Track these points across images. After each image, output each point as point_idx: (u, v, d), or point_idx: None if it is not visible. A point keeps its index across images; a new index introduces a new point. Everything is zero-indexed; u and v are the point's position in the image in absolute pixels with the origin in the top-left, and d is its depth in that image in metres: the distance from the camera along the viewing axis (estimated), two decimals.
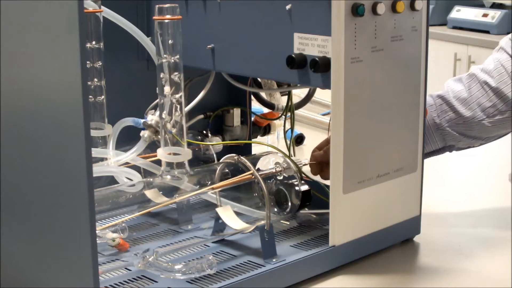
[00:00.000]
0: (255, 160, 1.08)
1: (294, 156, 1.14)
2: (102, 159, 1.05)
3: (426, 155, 1.19)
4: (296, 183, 1.05)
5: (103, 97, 1.08)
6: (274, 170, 1.06)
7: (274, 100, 1.30)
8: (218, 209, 1.00)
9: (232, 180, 1.02)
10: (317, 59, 0.92)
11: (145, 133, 1.07)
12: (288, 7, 0.96)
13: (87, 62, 1.05)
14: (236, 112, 1.29)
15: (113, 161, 1.04)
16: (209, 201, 1.04)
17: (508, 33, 3.40)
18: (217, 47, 1.07)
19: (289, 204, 1.06)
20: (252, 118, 1.33)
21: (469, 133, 1.15)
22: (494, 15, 3.21)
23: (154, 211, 1.01)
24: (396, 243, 1.06)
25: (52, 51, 0.75)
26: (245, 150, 1.28)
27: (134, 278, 0.92)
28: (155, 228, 1.07)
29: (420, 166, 1.05)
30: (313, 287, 0.95)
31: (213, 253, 0.99)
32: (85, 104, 0.72)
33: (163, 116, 1.01)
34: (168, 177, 1.01)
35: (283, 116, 1.22)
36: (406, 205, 1.05)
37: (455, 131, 1.13)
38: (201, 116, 1.25)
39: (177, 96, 1.00)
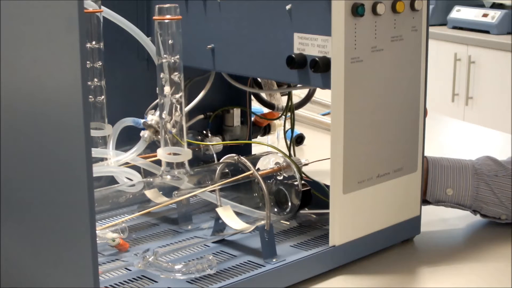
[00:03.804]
0: (255, 160, 1.08)
1: (294, 156, 1.14)
2: (102, 159, 1.05)
3: (454, 204, 1.12)
4: (296, 183, 1.05)
5: (103, 97, 1.08)
6: (274, 170, 1.06)
7: (274, 100, 1.30)
8: (218, 209, 1.00)
9: (232, 179, 1.02)
10: (317, 59, 0.92)
11: (145, 133, 1.07)
12: (288, 7, 0.96)
13: (87, 62, 1.05)
14: (236, 112, 1.29)
15: (113, 161, 1.04)
16: (209, 201, 1.04)
17: (508, 33, 3.38)
18: (217, 47, 1.07)
19: (289, 204, 1.06)
20: (252, 118, 1.33)
21: (504, 190, 1.09)
22: (494, 15, 3.21)
23: (154, 211, 1.01)
24: (396, 243, 1.06)
25: (52, 51, 0.75)
26: (245, 150, 1.28)
27: (134, 278, 0.92)
28: (155, 228, 1.07)
29: (420, 166, 1.05)
30: (313, 287, 0.95)
31: (213, 253, 0.99)
32: (85, 104, 0.72)
33: (163, 116, 1.01)
34: (168, 177, 1.01)
35: (283, 116, 1.22)
36: (406, 205, 1.05)
37: (492, 182, 1.10)
38: (201, 116, 1.25)
39: (177, 96, 1.00)
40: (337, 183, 0.95)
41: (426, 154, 1.08)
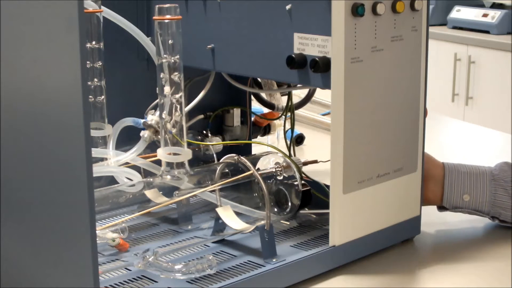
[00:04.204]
0: (255, 160, 1.08)
1: (294, 156, 1.14)
2: (102, 159, 1.05)
3: (472, 210, 1.11)
4: (296, 183, 1.05)
5: (103, 97, 1.08)
6: (274, 170, 1.06)
7: (274, 100, 1.30)
8: (218, 209, 1.00)
9: (232, 179, 1.02)
10: (317, 59, 0.92)
11: (145, 133, 1.07)
12: (288, 7, 0.96)
13: (87, 62, 1.05)
14: (236, 112, 1.29)
15: (113, 161, 1.04)
16: (209, 201, 1.04)
17: (508, 33, 3.37)
18: (217, 47, 1.07)
19: (289, 204, 1.06)
20: (252, 118, 1.33)
21: None
22: (494, 15, 3.20)
23: (154, 211, 1.01)
24: (396, 243, 1.06)
25: (52, 51, 0.75)
26: (245, 150, 1.28)
27: (134, 278, 0.92)
28: (155, 228, 1.07)
29: (420, 166, 1.05)
30: (313, 287, 0.95)
31: (213, 253, 0.99)
32: (85, 104, 0.72)
33: (163, 116, 1.01)
34: (168, 177, 1.01)
35: (283, 116, 1.22)
36: (406, 205, 1.05)
37: (510, 188, 1.09)
38: (201, 116, 1.25)
39: (177, 96, 1.00)
40: (337, 183, 0.95)
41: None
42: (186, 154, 1.01)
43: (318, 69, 0.92)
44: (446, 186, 1.10)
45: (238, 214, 1.01)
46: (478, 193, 1.10)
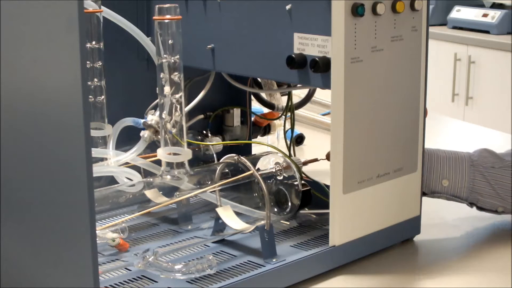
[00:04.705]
0: (255, 160, 1.08)
1: (294, 156, 1.14)
2: (102, 159, 1.05)
3: (450, 196, 1.10)
4: (296, 183, 1.05)
5: (103, 97, 1.08)
6: (274, 170, 1.06)
7: (274, 100, 1.30)
8: (218, 209, 1.00)
9: (232, 179, 1.02)
10: (317, 59, 0.92)
11: (145, 133, 1.07)
12: (288, 7, 0.96)
13: (87, 62, 1.05)
14: (236, 112, 1.29)
15: (113, 161, 1.04)
16: (209, 201, 1.04)
17: (508, 33, 3.37)
18: (217, 47, 1.07)
19: (289, 204, 1.06)
20: (252, 118, 1.33)
21: (500, 182, 1.08)
22: (494, 15, 3.21)
23: (154, 211, 1.01)
24: (396, 243, 1.06)
25: (52, 51, 0.75)
26: (245, 150, 1.28)
27: (134, 278, 0.92)
28: (155, 228, 1.07)
29: (420, 166, 1.05)
30: (313, 287, 0.95)
31: (213, 253, 0.99)
32: (85, 104, 0.72)
33: (163, 116, 1.01)
34: (168, 177, 1.01)
35: (283, 116, 1.22)
36: (406, 205, 1.05)
37: (488, 174, 1.09)
38: (201, 116, 1.25)
39: (177, 96, 1.00)
40: (337, 183, 0.95)
41: None
42: (186, 154, 1.01)
43: (318, 69, 0.92)
44: (426, 171, 1.09)
45: (238, 214, 1.01)
46: (457, 178, 1.09)
